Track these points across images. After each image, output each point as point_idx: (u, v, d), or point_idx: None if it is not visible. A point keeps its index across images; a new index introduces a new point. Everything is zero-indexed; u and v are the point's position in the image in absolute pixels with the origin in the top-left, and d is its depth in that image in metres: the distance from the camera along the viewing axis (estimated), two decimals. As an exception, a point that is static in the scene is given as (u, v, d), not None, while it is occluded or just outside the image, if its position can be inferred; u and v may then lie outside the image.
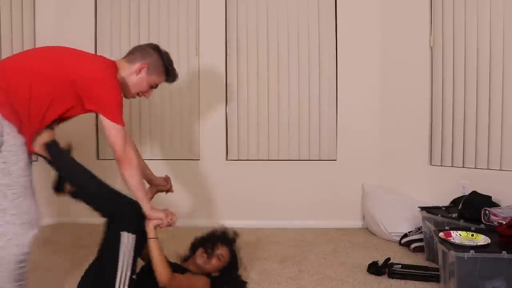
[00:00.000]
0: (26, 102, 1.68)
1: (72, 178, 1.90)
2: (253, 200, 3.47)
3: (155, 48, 2.00)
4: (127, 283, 1.76)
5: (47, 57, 1.79)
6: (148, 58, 1.95)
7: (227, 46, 3.54)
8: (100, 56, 1.96)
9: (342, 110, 3.48)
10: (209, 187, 3.51)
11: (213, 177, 3.49)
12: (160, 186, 2.25)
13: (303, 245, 2.96)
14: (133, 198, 1.90)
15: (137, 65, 1.93)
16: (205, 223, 3.43)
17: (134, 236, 1.80)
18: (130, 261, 1.79)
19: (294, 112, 3.56)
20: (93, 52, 3.52)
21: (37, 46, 3.43)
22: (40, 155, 1.85)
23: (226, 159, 3.57)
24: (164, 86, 3.65)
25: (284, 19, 3.54)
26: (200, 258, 2.02)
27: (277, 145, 3.58)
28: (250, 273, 2.38)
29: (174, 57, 3.67)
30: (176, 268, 1.98)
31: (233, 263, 2.13)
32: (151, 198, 2.23)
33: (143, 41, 3.53)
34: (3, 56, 3.36)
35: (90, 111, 1.84)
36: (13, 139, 1.63)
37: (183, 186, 3.44)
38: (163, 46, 3.69)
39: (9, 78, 1.67)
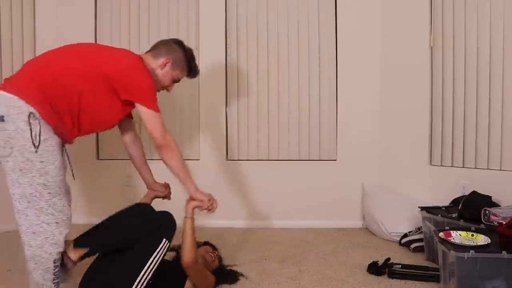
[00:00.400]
0: (62, 101, 1.71)
1: (124, 244, 1.85)
2: (253, 200, 3.47)
3: (180, 43, 2.05)
4: (145, 284, 1.79)
5: (78, 54, 1.81)
6: (173, 54, 1.99)
7: (227, 46, 3.54)
8: (129, 50, 1.99)
9: (342, 110, 3.48)
10: (209, 187, 3.48)
11: (213, 177, 3.49)
12: (158, 192, 2.27)
13: (303, 245, 2.96)
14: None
15: (162, 60, 1.97)
16: (205, 223, 3.45)
17: (169, 244, 1.86)
18: (157, 265, 1.82)
19: (294, 112, 3.56)
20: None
21: (37, 46, 3.44)
22: (84, 256, 1.82)
23: (226, 159, 3.57)
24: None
25: (284, 19, 3.54)
26: (208, 255, 2.18)
27: (277, 145, 3.58)
28: (250, 273, 2.38)
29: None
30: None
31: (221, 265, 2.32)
32: (150, 202, 2.24)
33: (143, 41, 3.57)
34: (3, 56, 3.36)
35: (126, 104, 1.86)
36: (50, 139, 1.67)
37: (183, 186, 3.44)
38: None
39: (41, 78, 1.69)
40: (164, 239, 1.83)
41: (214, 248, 2.32)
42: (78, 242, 1.79)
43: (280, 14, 3.54)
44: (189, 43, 3.52)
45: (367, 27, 3.42)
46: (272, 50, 3.55)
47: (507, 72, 2.69)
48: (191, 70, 2.08)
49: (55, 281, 1.70)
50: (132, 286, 1.75)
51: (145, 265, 1.78)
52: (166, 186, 2.30)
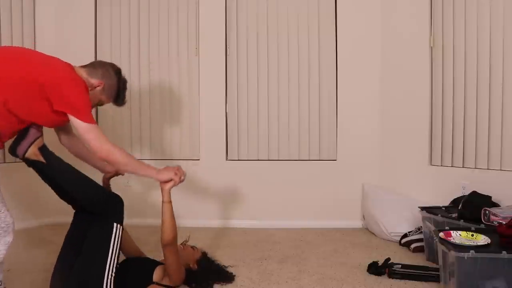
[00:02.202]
0: None
1: (65, 178, 1.91)
2: (253, 200, 3.47)
3: (117, 72, 2.02)
4: (114, 270, 1.85)
5: (6, 60, 1.74)
6: (107, 79, 1.97)
7: (227, 46, 3.54)
8: (60, 59, 1.93)
9: (342, 109, 3.48)
10: (209, 187, 3.51)
11: (213, 177, 3.49)
12: (108, 173, 2.27)
13: (303, 245, 2.96)
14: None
15: (94, 81, 1.93)
16: (205, 223, 3.45)
17: (122, 227, 1.90)
18: (118, 249, 1.87)
19: (294, 112, 3.56)
20: (93, 52, 3.53)
21: (37, 46, 3.43)
22: (31, 161, 1.82)
23: (226, 159, 3.57)
24: (164, 86, 3.67)
25: (284, 19, 3.53)
26: (180, 247, 2.17)
27: (277, 145, 3.58)
28: (250, 273, 2.38)
29: (174, 57, 3.70)
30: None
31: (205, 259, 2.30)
32: (108, 185, 2.27)
33: (143, 41, 3.57)
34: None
35: (57, 114, 1.80)
36: None
37: (183, 186, 3.43)
38: (163, 46, 3.74)
39: None
40: (115, 224, 1.87)
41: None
42: (44, 151, 1.81)
43: (280, 14, 3.54)
44: (189, 43, 3.58)
45: (367, 27, 3.42)
46: (272, 50, 3.55)
47: (507, 72, 2.69)
48: (118, 100, 2.04)
49: None
50: (103, 276, 1.81)
51: (108, 255, 1.83)
52: None
